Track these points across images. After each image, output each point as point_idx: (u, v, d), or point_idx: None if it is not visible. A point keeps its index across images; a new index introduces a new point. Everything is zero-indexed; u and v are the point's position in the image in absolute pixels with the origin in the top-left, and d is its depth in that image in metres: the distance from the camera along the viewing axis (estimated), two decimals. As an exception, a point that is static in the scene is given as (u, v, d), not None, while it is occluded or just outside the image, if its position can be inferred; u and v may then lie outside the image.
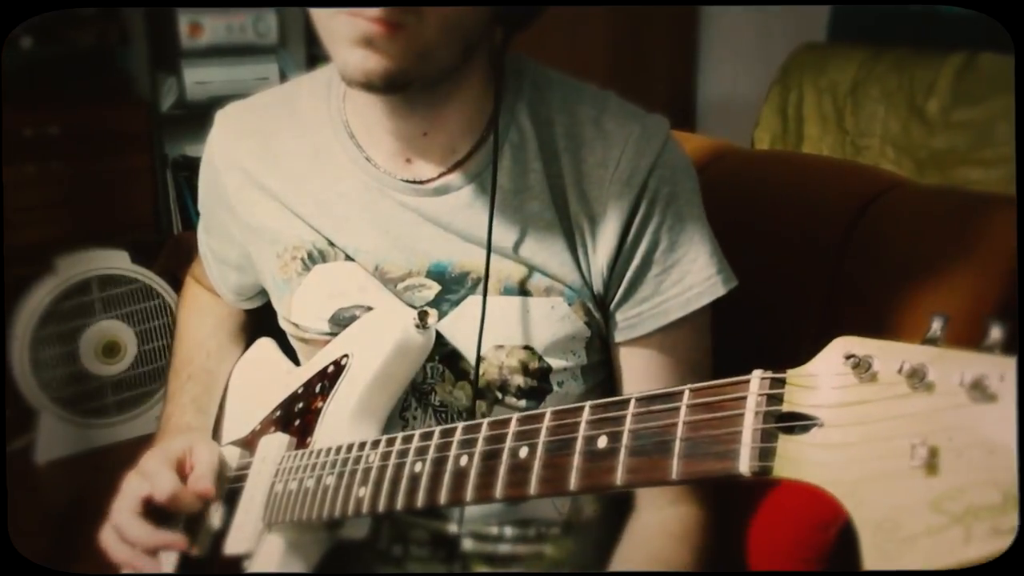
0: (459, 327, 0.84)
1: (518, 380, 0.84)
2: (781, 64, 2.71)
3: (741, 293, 0.84)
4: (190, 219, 2.73)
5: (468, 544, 0.89)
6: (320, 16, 0.74)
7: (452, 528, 0.89)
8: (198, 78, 2.65)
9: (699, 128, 3.12)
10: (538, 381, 0.85)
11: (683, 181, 0.83)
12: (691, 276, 0.82)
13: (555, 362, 0.84)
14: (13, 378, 2.05)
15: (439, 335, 0.85)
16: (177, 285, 2.16)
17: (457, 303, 0.84)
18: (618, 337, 0.85)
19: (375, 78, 0.73)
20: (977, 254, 0.89)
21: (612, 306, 0.84)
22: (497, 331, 0.83)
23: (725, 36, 3.14)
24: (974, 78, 2.34)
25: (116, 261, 2.14)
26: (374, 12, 0.69)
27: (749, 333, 0.91)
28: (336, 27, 0.73)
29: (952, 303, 0.86)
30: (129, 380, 2.17)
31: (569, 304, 0.83)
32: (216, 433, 1.01)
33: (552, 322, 0.83)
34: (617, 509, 0.90)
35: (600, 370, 0.88)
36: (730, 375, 0.52)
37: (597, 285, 0.84)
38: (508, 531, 0.90)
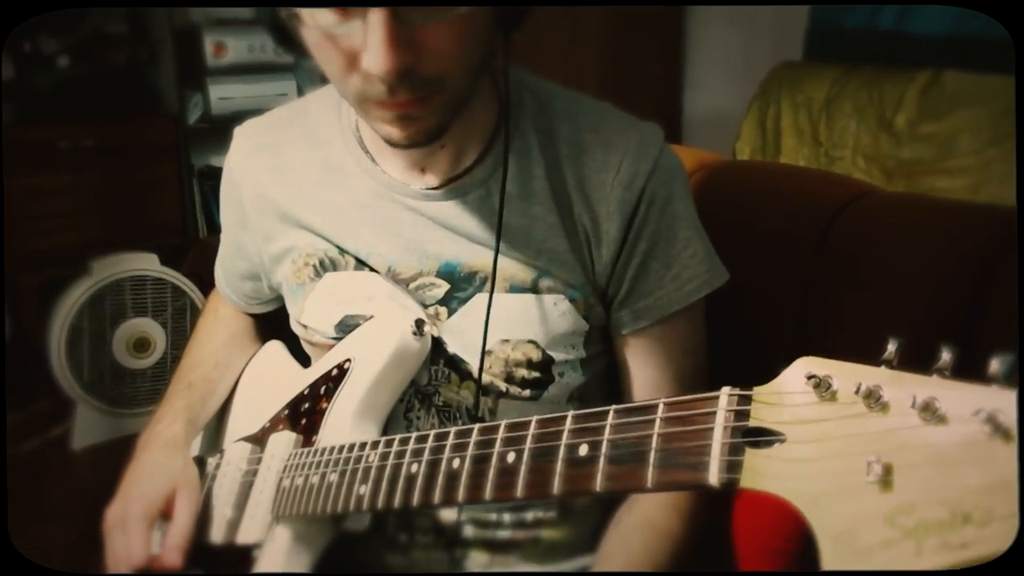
0: (467, 323, 0.84)
1: (522, 372, 0.84)
2: (761, 81, 2.70)
3: (722, 296, 0.84)
4: (215, 224, 2.73)
5: (468, 530, 0.89)
6: (349, 97, 0.73)
7: (453, 515, 0.89)
8: (222, 94, 2.65)
9: (684, 140, 3.11)
10: (541, 372, 0.84)
11: (678, 184, 0.83)
12: (689, 271, 0.82)
13: (556, 354, 0.84)
14: (51, 371, 2.05)
15: (443, 341, 0.84)
16: (203, 286, 2.16)
17: (466, 300, 0.84)
18: (623, 330, 0.85)
19: (419, 139, 0.73)
20: (942, 256, 0.89)
21: (616, 301, 0.84)
22: (504, 326, 0.83)
23: (710, 55, 3.13)
24: (939, 94, 2.33)
25: (146, 263, 2.14)
26: (404, 96, 0.69)
27: (729, 335, 0.90)
28: (370, 109, 0.72)
29: (919, 301, 0.87)
30: (158, 373, 2.17)
31: (571, 301, 0.83)
32: (218, 434, 1.00)
33: (555, 317, 0.83)
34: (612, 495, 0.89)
35: (598, 361, 0.88)
36: (712, 379, 0.52)
37: (601, 282, 0.83)
38: (506, 517, 0.89)
